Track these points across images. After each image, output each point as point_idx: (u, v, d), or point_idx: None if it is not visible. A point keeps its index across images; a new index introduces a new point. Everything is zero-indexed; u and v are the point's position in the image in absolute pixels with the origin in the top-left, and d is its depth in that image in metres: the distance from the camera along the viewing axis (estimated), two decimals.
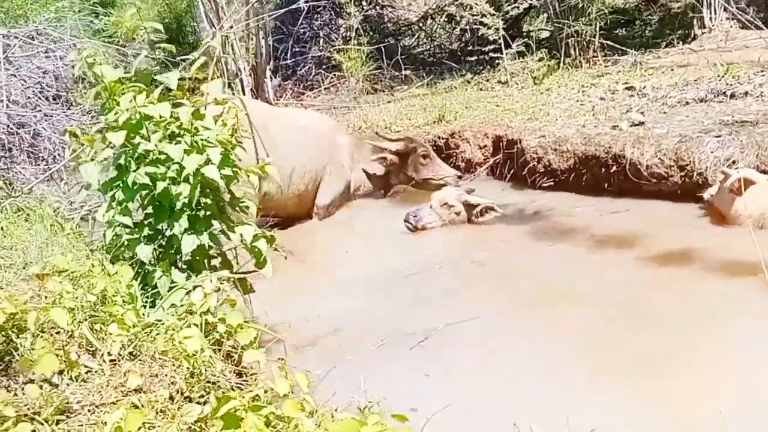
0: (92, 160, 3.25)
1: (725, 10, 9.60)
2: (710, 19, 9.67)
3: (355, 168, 6.91)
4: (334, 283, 4.94)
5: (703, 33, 9.64)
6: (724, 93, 6.77)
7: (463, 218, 6.03)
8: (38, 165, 5.73)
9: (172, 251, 3.36)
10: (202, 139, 3.24)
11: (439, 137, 7.63)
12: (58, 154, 5.63)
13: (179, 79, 3.37)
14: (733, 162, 5.59)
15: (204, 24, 8.22)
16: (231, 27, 5.83)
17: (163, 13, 10.92)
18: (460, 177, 6.85)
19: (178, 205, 3.26)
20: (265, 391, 2.85)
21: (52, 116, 5.68)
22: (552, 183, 6.70)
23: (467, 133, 7.45)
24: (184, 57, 4.39)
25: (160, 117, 3.20)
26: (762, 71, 7.00)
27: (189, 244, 3.28)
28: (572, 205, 6.23)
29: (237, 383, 3.09)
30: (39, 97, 5.86)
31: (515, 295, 4.59)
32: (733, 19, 9.67)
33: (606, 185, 6.33)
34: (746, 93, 6.67)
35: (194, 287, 2.92)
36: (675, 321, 3.89)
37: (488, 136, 7.37)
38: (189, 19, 10.34)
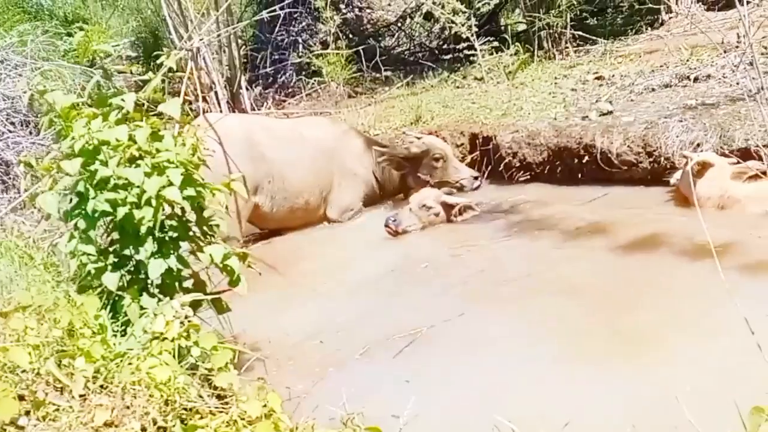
0: (50, 189, 3.05)
1: None
2: (676, 2, 9.52)
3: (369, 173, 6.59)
4: (313, 293, 4.76)
5: (670, 18, 9.49)
6: (688, 77, 6.63)
7: (443, 218, 5.85)
8: (7, 193, 5.44)
9: (141, 276, 3.19)
10: (161, 161, 3.06)
11: (417, 138, 7.42)
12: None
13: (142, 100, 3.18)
14: (698, 145, 5.49)
15: (173, 38, 7.96)
16: (201, 39, 5.61)
17: (138, 28, 10.63)
18: (476, 178, 6.46)
19: (143, 229, 3.08)
20: (241, 417, 2.71)
21: (20, 143, 5.41)
22: (528, 176, 6.55)
23: (444, 132, 7.26)
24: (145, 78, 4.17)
25: (117, 141, 3.01)
26: (724, 53, 6.84)
27: (157, 268, 3.11)
28: (548, 197, 6.09)
29: (216, 407, 2.93)
30: (5, 124, 5.59)
31: (494, 292, 4.44)
32: (698, 1, 9.53)
33: (579, 175, 6.21)
34: (709, 76, 6.54)
35: (155, 315, 2.74)
36: (648, 307, 3.79)
37: (464, 134, 7.20)
38: (165, 33, 10.02)
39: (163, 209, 3.12)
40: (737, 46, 6.68)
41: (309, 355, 3.78)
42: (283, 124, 6.86)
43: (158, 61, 3.61)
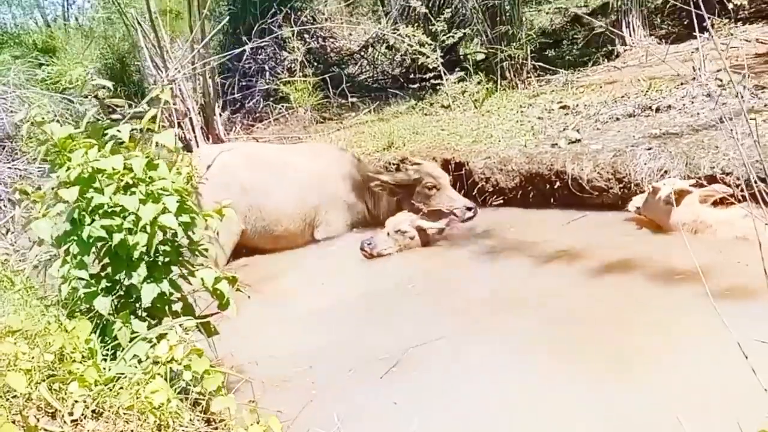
0: (44, 216, 3.05)
1: (644, 27, 9.92)
2: (630, 36, 9.97)
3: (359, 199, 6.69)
4: (296, 315, 4.78)
5: (625, 50, 9.94)
6: (650, 107, 6.92)
7: (418, 242, 5.98)
8: None
9: (131, 301, 3.19)
10: (156, 189, 3.09)
11: (390, 163, 7.57)
12: (3, 206, 5.32)
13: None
14: (666, 172, 5.71)
15: (149, 66, 7.98)
16: (177, 70, 5.65)
17: (106, 55, 10.59)
18: (469, 209, 6.37)
19: (136, 254, 3.10)
20: None
21: None
22: (501, 201, 6.74)
23: (417, 158, 7.40)
24: (136, 110, 4.20)
25: (113, 169, 3.04)
26: (682, 85, 7.18)
27: (149, 292, 3.12)
28: (521, 221, 6.26)
29: (206, 431, 2.93)
30: None
31: (474, 312, 4.54)
32: (651, 35, 10.01)
33: (552, 200, 6.42)
34: (669, 106, 6.82)
35: (158, 338, 2.75)
36: (636, 328, 3.92)
37: (437, 159, 7.34)
38: (132, 59, 10.04)
39: (158, 235, 3.15)
40: (694, 78, 7.02)
41: (297, 377, 3.79)
42: (271, 152, 6.92)
43: (153, 94, 3.63)
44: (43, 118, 3.04)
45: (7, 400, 2.61)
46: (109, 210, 3.06)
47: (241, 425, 2.87)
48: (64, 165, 3.08)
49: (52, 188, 3.09)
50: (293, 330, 4.52)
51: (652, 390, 3.24)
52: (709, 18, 7.76)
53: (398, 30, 9.50)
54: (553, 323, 4.13)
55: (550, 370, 3.58)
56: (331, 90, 10.95)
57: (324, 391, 3.63)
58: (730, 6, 8.58)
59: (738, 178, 5.32)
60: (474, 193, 6.85)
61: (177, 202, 3.10)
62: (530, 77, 9.54)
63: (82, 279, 3.06)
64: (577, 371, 3.52)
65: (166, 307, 3.29)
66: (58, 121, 3.51)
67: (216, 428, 3.00)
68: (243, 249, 6.20)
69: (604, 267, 4.80)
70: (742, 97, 6.31)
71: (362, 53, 13.18)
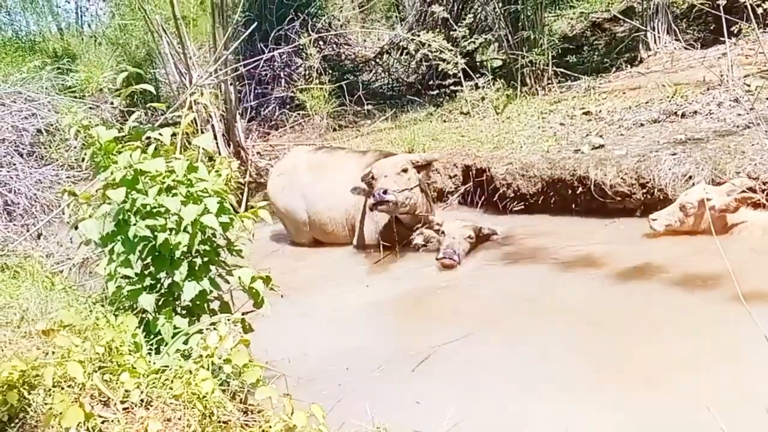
0: (90, 216, 3.35)
1: (668, 33, 10.14)
2: (655, 42, 10.19)
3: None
4: (326, 315, 5.07)
5: (648, 56, 10.13)
6: (675, 113, 7.14)
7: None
8: (14, 222, 5.75)
9: (173, 298, 3.48)
10: (198, 190, 3.38)
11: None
12: (35, 210, 5.66)
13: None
14: (690, 177, 5.93)
15: (172, 72, 8.37)
16: (201, 77, 5.99)
17: (123, 62, 10.99)
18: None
19: (178, 253, 3.38)
20: (282, 428, 2.99)
21: (27, 173, 5.73)
22: (522, 207, 6.98)
23: (437, 164, 7.69)
24: (171, 113, 4.52)
25: (156, 171, 3.33)
26: (708, 90, 7.41)
27: (190, 290, 3.40)
28: (542, 227, 6.50)
29: (245, 421, 3.20)
30: (13, 155, 5.91)
31: (497, 315, 4.80)
32: (676, 40, 10.21)
33: (573, 206, 6.65)
34: (695, 112, 7.04)
35: (207, 330, 3.03)
36: (661, 335, 4.14)
37: (457, 165, 7.63)
38: (149, 68, 10.46)
39: (199, 235, 3.43)
40: (721, 84, 7.25)
41: (328, 373, 4.06)
42: (319, 157, 7.29)
43: (190, 98, 3.95)
44: (89, 122, 3.34)
45: (63, 389, 2.91)
46: (153, 210, 3.35)
47: (279, 416, 3.13)
48: (110, 167, 3.38)
49: (98, 190, 3.39)
50: (324, 329, 4.79)
51: (679, 392, 3.45)
52: (736, 23, 8.05)
53: (418, 36, 9.82)
54: (581, 326, 4.37)
55: (577, 372, 3.80)
56: (347, 97, 11.29)
57: (357, 386, 3.87)
58: (760, 11, 8.74)
59: (764, 183, 5.55)
60: (495, 199, 7.11)
61: (217, 203, 3.38)
62: (551, 83, 9.81)
63: (128, 277, 3.35)
64: (604, 373, 3.74)
65: (206, 305, 3.57)
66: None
67: (253, 418, 3.28)
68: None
69: (633, 271, 5.02)
70: None
71: (377, 60, 13.52)
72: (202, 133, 7.60)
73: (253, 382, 3.22)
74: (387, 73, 13.34)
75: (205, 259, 3.50)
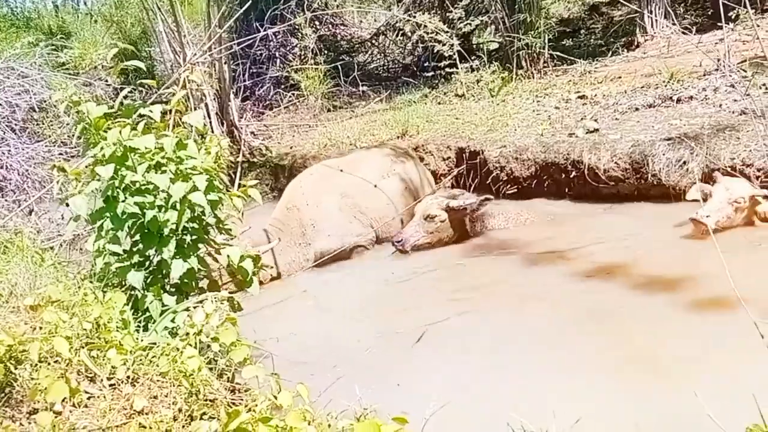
0: (80, 192, 3.33)
1: (665, 17, 10.11)
2: (652, 26, 10.16)
3: None
4: (316, 296, 5.09)
5: (645, 40, 10.11)
6: (671, 98, 7.12)
7: (449, 230, 5.98)
8: (5, 198, 5.72)
9: (161, 276, 3.47)
10: (186, 168, 3.37)
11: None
12: (27, 187, 5.63)
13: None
14: (684, 163, 5.93)
15: (167, 50, 8.31)
16: (195, 54, 5.93)
17: (118, 40, 10.89)
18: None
19: (166, 231, 3.38)
20: (267, 406, 2.99)
21: (19, 149, 5.69)
22: (515, 190, 6.96)
23: (431, 146, 7.68)
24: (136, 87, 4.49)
25: (146, 148, 3.31)
26: (704, 75, 7.39)
27: (179, 268, 3.40)
28: (534, 210, 6.49)
29: (232, 400, 3.20)
30: (5, 130, 5.87)
31: (488, 299, 4.81)
32: (673, 25, 10.18)
33: (567, 190, 6.66)
34: (691, 97, 7.02)
35: (194, 307, 3.03)
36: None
37: (451, 148, 7.60)
38: (144, 45, 10.38)
39: (187, 213, 3.42)
40: (717, 69, 7.23)
41: (316, 354, 4.08)
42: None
43: (183, 73, 3.92)
44: (79, 98, 3.31)
45: (49, 364, 2.91)
46: (142, 187, 3.33)
47: (266, 395, 3.14)
48: (99, 143, 3.35)
49: (87, 166, 3.37)
50: (313, 310, 4.81)
51: (664, 376, 3.47)
52: (734, 8, 8.03)
53: (414, 17, 9.75)
54: (572, 312, 4.38)
55: (566, 359, 3.83)
56: (342, 78, 11.23)
57: (345, 366, 3.89)
58: None
59: (759, 170, 5.55)
60: (488, 182, 7.10)
61: (206, 180, 3.37)
62: (547, 66, 9.77)
63: (116, 254, 3.35)
64: (594, 360, 3.76)
65: (194, 283, 3.57)
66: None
67: (240, 397, 3.29)
68: None
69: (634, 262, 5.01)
70: (766, 88, 6.53)
71: (373, 41, 13.44)
72: (195, 111, 7.56)
73: (241, 361, 3.23)
74: (383, 55, 13.28)
75: (194, 237, 3.50)
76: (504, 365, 3.85)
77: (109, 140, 3.25)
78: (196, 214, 3.43)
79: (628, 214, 6.01)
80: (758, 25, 9.00)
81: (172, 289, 3.52)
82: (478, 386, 3.69)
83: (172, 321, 3.28)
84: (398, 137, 8.13)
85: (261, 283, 3.77)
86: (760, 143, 5.70)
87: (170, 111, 3.58)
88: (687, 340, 3.80)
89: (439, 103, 9.44)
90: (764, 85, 6.63)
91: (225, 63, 8.52)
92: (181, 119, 3.62)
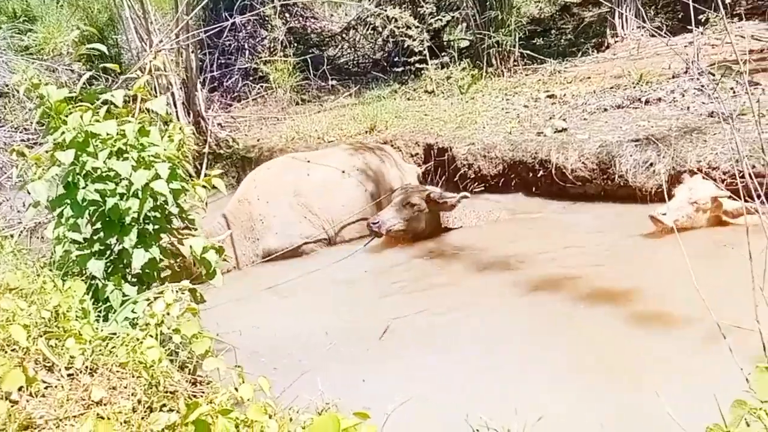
0: (39, 178, 3.30)
1: (636, 19, 10.30)
2: (622, 27, 10.34)
3: None
4: (280, 291, 5.09)
5: (615, 41, 10.29)
6: (639, 99, 7.26)
7: (421, 221, 6.01)
8: None
9: (123, 265, 3.46)
10: (149, 155, 3.36)
11: None
12: None
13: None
14: (651, 164, 6.05)
15: (133, 38, 8.22)
16: (162, 41, 5.86)
17: (85, 26, 10.71)
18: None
19: (128, 219, 3.36)
20: (228, 398, 3.00)
21: None
22: (483, 188, 7.02)
23: (399, 142, 7.72)
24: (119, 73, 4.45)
25: (107, 134, 3.29)
26: (673, 78, 7.55)
27: (140, 257, 3.38)
28: (503, 208, 6.56)
29: (193, 392, 3.21)
30: None
31: (455, 293, 4.89)
32: (643, 27, 10.36)
33: (534, 189, 6.75)
34: (659, 99, 7.17)
35: (154, 298, 3.02)
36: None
37: (419, 144, 7.66)
38: (111, 32, 10.24)
39: (149, 201, 3.41)
40: (686, 72, 7.40)
41: (280, 347, 4.09)
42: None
43: (146, 59, 3.90)
44: (39, 81, 3.28)
45: (6, 352, 2.88)
46: (103, 174, 3.32)
47: (227, 388, 3.14)
48: (59, 128, 3.32)
49: (47, 151, 3.34)
50: (278, 303, 4.82)
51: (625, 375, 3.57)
52: (704, 12, 8.20)
53: (385, 11, 9.78)
54: (530, 316, 4.46)
55: (531, 353, 3.91)
56: (311, 71, 11.23)
57: (309, 361, 3.91)
58: (727, 0, 8.91)
59: (724, 173, 5.68)
60: (456, 179, 7.16)
61: (168, 169, 3.36)
62: (517, 65, 9.89)
63: (76, 242, 3.32)
64: (558, 356, 3.85)
65: (156, 273, 3.56)
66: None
67: (202, 390, 3.29)
68: None
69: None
70: (734, 92, 6.69)
71: (344, 35, 13.44)
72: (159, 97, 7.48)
73: (202, 354, 3.23)
74: (353, 49, 13.29)
75: (156, 226, 3.48)
76: (465, 363, 3.91)
77: (69, 125, 3.22)
78: (158, 203, 3.42)
79: (594, 214, 6.11)
80: (727, 30, 9.18)
81: (134, 279, 3.51)
82: (440, 383, 3.74)
83: (133, 311, 3.27)
84: (366, 132, 8.17)
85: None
86: (727, 146, 5.84)
87: (133, 97, 3.55)
88: (647, 342, 3.87)
89: (409, 99, 9.50)
90: (732, 88, 6.80)
91: (192, 52, 8.46)
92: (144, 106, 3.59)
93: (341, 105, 10.08)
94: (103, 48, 3.84)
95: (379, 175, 6.54)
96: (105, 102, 3.47)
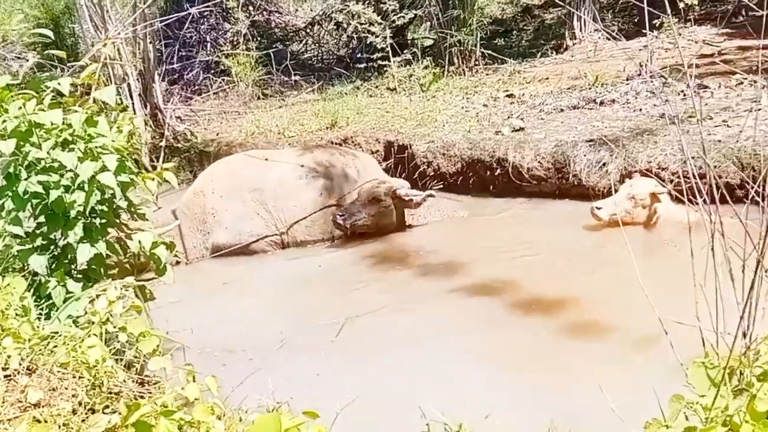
0: None
1: (594, 22, 10.37)
2: (580, 30, 10.41)
3: None
4: (233, 288, 4.95)
5: (574, 44, 10.36)
6: (594, 101, 7.32)
7: (392, 217, 5.95)
8: None
9: (67, 261, 3.27)
10: (96, 146, 3.18)
11: (332, 142, 7.75)
12: None
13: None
14: (604, 164, 6.09)
15: (88, 27, 7.91)
16: (117, 30, 5.63)
17: (39, 16, 10.34)
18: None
19: (73, 213, 3.18)
20: (175, 398, 2.86)
21: None
22: (442, 186, 6.93)
23: (360, 138, 7.63)
24: (72, 63, 4.24)
25: (52, 124, 3.10)
26: (627, 80, 7.61)
27: (85, 253, 3.20)
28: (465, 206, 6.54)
29: (140, 392, 3.05)
30: None
31: (409, 291, 4.85)
32: (600, 30, 10.46)
33: (492, 187, 6.72)
34: (613, 101, 7.23)
35: (97, 295, 2.86)
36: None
37: (380, 141, 7.58)
38: (67, 21, 9.87)
39: (96, 194, 3.23)
40: (639, 74, 7.46)
41: (232, 345, 3.96)
42: None
43: (98, 47, 3.70)
44: None
45: None
46: (47, 166, 3.13)
47: (173, 388, 3.00)
48: (0, 117, 3.12)
49: None
50: (231, 301, 4.68)
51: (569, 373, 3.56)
52: (659, 16, 8.27)
53: (348, 6, 9.65)
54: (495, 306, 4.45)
55: (477, 355, 3.87)
56: (274, 66, 11.02)
57: (261, 359, 3.80)
58: (681, 5, 9.04)
59: (673, 173, 5.72)
60: (415, 177, 7.08)
61: (117, 161, 3.19)
62: (478, 65, 9.86)
63: (17, 236, 3.13)
64: (508, 354, 3.85)
65: (102, 269, 3.38)
66: None
67: (149, 390, 3.14)
68: None
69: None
70: (684, 95, 6.76)
71: (308, 30, 13.25)
72: (116, 92, 7.22)
73: (150, 352, 3.08)
74: (317, 45, 13.10)
75: (103, 220, 3.30)
76: (414, 362, 3.88)
77: (11, 113, 3.02)
78: (105, 196, 3.24)
79: (548, 213, 6.14)
80: (680, 34, 9.34)
81: (79, 276, 3.33)
82: (392, 381, 3.70)
83: (77, 309, 3.10)
84: (327, 128, 8.06)
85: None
86: (676, 148, 5.89)
87: (82, 86, 3.37)
88: (588, 344, 3.88)
89: (371, 96, 9.40)
90: (682, 91, 6.87)
91: (150, 42, 8.20)
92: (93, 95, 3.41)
93: (303, 100, 9.92)
94: (49, 33, 3.62)
95: (338, 177, 6.32)
96: (52, 91, 3.28)
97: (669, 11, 2.61)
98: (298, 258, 5.75)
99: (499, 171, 6.62)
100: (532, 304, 4.41)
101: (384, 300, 4.72)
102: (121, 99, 7.53)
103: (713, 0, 9.66)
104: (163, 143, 8.07)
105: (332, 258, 5.74)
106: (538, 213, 6.19)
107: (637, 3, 2.71)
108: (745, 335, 2.13)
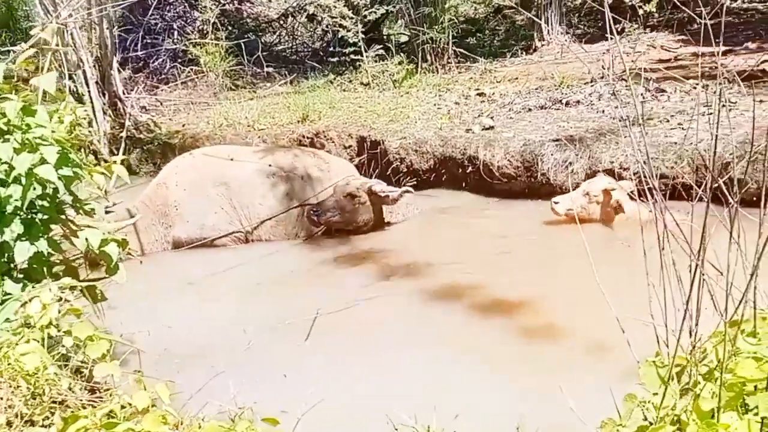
0: None
1: (560, 25, 10.34)
2: (548, 32, 10.35)
3: None
4: (195, 286, 4.67)
5: (542, 45, 10.32)
6: (561, 101, 7.27)
7: (370, 213, 5.75)
8: None
9: (5, 260, 2.97)
10: (35, 137, 2.88)
11: (303, 136, 7.52)
12: None
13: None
14: (570, 164, 6.01)
15: (38, 10, 7.44)
16: (70, 16, 5.25)
17: None
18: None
19: (9, 208, 2.89)
20: (123, 407, 2.59)
21: None
22: (415, 182, 6.66)
23: (332, 133, 7.42)
24: (10, 48, 3.89)
25: None
26: (591, 83, 7.56)
27: (24, 251, 2.92)
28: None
29: (89, 400, 2.77)
30: None
31: (380, 289, 4.67)
32: (567, 33, 10.42)
33: (464, 184, 6.58)
34: (578, 102, 7.19)
35: (30, 298, 2.57)
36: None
37: (352, 136, 7.37)
38: (21, 4, 9.35)
39: (34, 188, 2.94)
40: (602, 77, 7.38)
41: (192, 348, 3.72)
42: None
43: (37, 32, 3.39)
44: None
45: None
46: None
47: (121, 397, 2.74)
48: None
49: None
50: (191, 301, 4.41)
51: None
52: (620, 22, 8.28)
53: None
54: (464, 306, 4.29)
55: (443, 357, 3.70)
56: (245, 57, 10.66)
57: (224, 362, 3.57)
58: (641, 12, 9.10)
59: (635, 173, 5.62)
60: (389, 173, 6.87)
61: (57, 153, 2.90)
62: (450, 62, 9.71)
63: None
64: (469, 359, 3.67)
65: (45, 269, 3.09)
66: None
67: (100, 397, 2.86)
68: None
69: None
70: (643, 98, 6.73)
71: (281, 22, 12.90)
72: (71, 79, 6.84)
73: (99, 357, 2.81)
74: (291, 37, 12.75)
75: (45, 216, 3.01)
76: (379, 365, 3.71)
77: None
78: (47, 191, 2.94)
79: (517, 212, 6.03)
80: (640, 39, 9.39)
81: (20, 276, 3.03)
82: (358, 384, 3.52)
83: (16, 312, 2.80)
84: (299, 122, 7.79)
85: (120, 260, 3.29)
86: (635, 149, 5.82)
87: (26, 71, 3.06)
88: (545, 347, 3.77)
89: (344, 90, 9.18)
90: (642, 94, 6.83)
91: (107, 28, 7.75)
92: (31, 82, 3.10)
93: (276, 93, 9.62)
94: None
95: (306, 178, 6.02)
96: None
97: (629, 17, 2.53)
98: (264, 255, 5.49)
99: (470, 169, 6.47)
100: (494, 306, 4.29)
101: (353, 299, 4.52)
102: (76, 87, 7.15)
103: (672, 8, 9.69)
104: (123, 134, 7.64)
105: (300, 256, 5.51)
106: (506, 211, 6.07)
107: (601, 8, 2.59)
108: (691, 333, 2.09)
